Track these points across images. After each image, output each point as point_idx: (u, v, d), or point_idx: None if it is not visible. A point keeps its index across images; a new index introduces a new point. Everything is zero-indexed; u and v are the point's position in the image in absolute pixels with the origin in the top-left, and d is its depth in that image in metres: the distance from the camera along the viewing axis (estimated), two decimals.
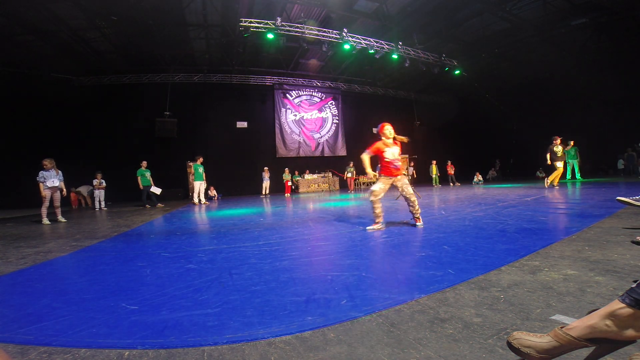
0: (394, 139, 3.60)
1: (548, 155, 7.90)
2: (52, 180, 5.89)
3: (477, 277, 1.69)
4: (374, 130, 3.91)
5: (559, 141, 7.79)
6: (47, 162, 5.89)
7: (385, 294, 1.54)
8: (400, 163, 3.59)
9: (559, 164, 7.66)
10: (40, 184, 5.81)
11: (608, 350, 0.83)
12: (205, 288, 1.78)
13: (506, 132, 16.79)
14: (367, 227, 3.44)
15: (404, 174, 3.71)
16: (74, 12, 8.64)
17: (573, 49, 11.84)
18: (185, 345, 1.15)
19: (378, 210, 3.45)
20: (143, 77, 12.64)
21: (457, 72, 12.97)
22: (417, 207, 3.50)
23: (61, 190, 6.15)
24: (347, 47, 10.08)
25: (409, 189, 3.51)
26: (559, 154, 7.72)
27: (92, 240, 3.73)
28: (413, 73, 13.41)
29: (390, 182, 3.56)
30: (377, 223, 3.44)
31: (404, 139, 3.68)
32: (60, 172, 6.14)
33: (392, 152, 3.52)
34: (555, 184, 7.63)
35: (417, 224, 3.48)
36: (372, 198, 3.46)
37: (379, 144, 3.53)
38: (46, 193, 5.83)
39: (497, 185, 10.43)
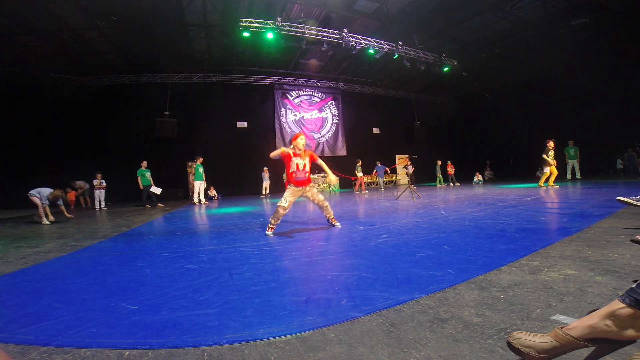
0: (311, 155, 3.70)
1: (544, 157, 7.91)
2: (45, 199, 6.03)
3: (477, 277, 1.69)
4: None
5: (552, 144, 7.84)
6: (58, 193, 6.23)
7: (385, 294, 1.54)
8: (306, 176, 3.65)
9: (546, 169, 7.84)
10: (36, 199, 5.86)
11: (608, 350, 0.83)
12: (205, 288, 1.78)
13: (506, 132, 16.79)
14: (267, 233, 3.49)
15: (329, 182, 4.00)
16: (74, 12, 8.63)
17: (573, 49, 11.83)
18: (185, 345, 1.15)
19: (279, 219, 3.54)
20: (143, 77, 12.63)
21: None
22: (330, 211, 3.80)
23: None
24: (347, 47, 10.07)
25: (319, 197, 3.70)
26: (550, 160, 7.82)
27: (92, 240, 3.73)
28: (413, 73, 13.38)
29: (300, 193, 3.67)
30: (271, 229, 3.51)
31: (328, 172, 3.72)
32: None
33: (297, 163, 3.58)
34: (550, 184, 7.86)
35: (335, 224, 3.77)
36: (281, 210, 3.49)
37: (288, 150, 3.57)
38: (39, 204, 5.94)
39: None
